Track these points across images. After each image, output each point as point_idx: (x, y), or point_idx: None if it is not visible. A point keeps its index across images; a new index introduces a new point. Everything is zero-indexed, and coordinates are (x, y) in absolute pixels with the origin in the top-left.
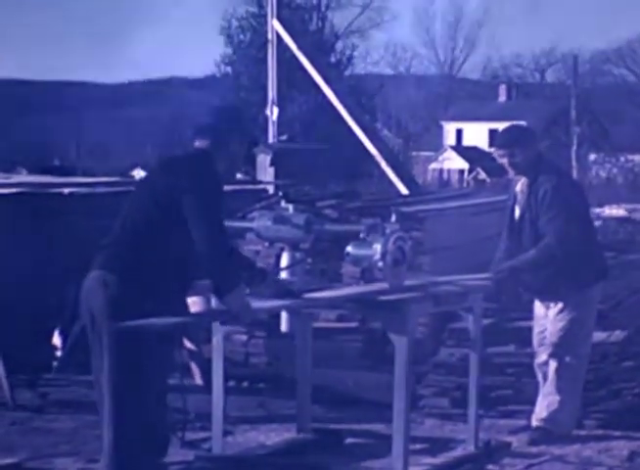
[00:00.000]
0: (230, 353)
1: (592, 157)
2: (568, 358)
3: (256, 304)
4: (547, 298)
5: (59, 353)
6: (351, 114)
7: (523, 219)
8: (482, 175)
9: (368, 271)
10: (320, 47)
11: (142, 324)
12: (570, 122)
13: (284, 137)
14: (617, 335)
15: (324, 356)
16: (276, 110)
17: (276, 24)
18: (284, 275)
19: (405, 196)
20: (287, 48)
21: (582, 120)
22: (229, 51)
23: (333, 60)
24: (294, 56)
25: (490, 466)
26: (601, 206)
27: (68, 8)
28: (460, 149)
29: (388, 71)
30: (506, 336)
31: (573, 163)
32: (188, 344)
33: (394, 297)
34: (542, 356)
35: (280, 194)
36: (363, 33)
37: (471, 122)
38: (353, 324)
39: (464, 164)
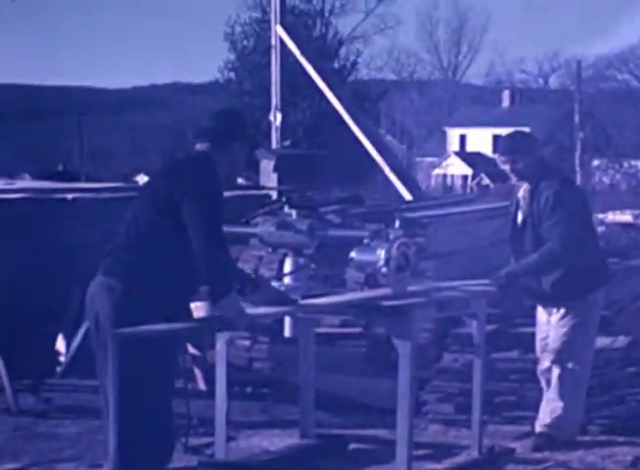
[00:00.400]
0: (233, 359)
1: (596, 162)
2: (570, 364)
3: (251, 310)
4: (549, 304)
5: (62, 359)
6: (355, 119)
7: (525, 225)
8: (486, 181)
9: (372, 277)
10: (323, 53)
11: (143, 331)
12: (573, 128)
13: (287, 143)
14: (622, 340)
15: (327, 362)
16: (279, 115)
17: (279, 30)
18: (287, 280)
19: (409, 202)
20: (290, 54)
21: (586, 126)
22: (233, 57)
23: (336, 65)
24: (297, 61)
25: None
26: (604, 211)
27: (73, 12)
28: (464, 155)
29: (392, 77)
30: (510, 341)
31: (577, 168)
32: (191, 349)
33: (398, 302)
34: (545, 363)
35: (283, 199)
36: (367, 39)
37: (474, 128)
38: (357, 330)
39: (467, 170)
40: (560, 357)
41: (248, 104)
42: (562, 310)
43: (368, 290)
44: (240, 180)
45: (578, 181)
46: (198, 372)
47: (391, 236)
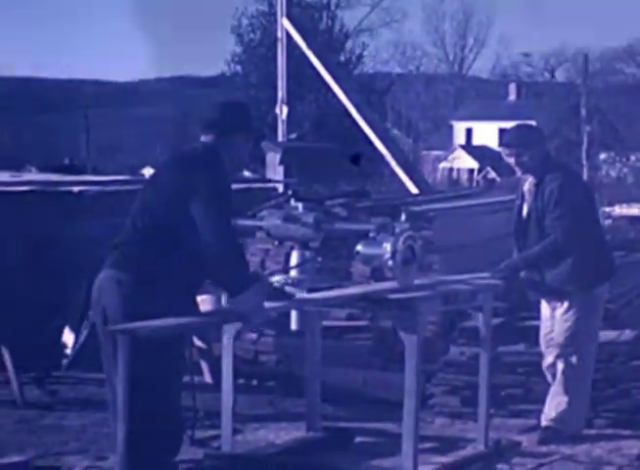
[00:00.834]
0: (240, 351)
1: (602, 156)
2: (574, 359)
3: (268, 304)
4: (553, 298)
5: (68, 351)
6: (361, 112)
7: (530, 218)
8: (492, 174)
9: (378, 270)
10: (330, 46)
11: (151, 326)
12: (580, 121)
13: (293, 136)
14: (627, 334)
15: (334, 355)
16: (285, 108)
17: (286, 23)
18: (293, 274)
19: (415, 195)
20: (296, 47)
21: (592, 119)
22: (239, 50)
23: (342, 58)
24: (303, 54)
25: (500, 465)
26: (611, 205)
27: (79, 3)
28: (470, 148)
29: (398, 70)
30: (516, 335)
31: (584, 162)
32: (198, 342)
33: (404, 295)
34: (549, 358)
35: (289, 192)
36: (373, 32)
37: (480, 121)
38: (363, 323)
39: (474, 164)
40: (564, 352)
41: (254, 97)
42: (565, 304)
43: (374, 283)
44: (246, 173)
45: (585, 175)
46: (204, 365)
47: (398, 229)
